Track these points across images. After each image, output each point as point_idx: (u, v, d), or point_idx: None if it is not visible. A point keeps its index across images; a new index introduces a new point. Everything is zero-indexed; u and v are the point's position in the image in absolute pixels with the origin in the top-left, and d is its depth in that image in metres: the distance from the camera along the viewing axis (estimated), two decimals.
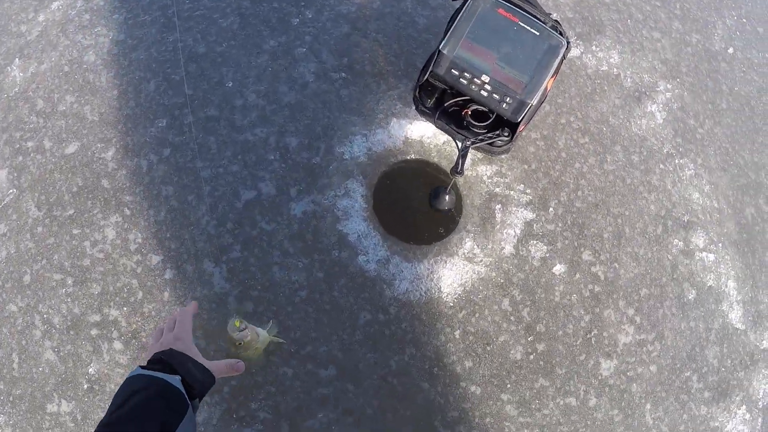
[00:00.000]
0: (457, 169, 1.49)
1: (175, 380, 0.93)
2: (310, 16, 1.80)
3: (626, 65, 1.85)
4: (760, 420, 1.70)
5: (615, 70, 1.83)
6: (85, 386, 1.52)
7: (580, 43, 1.84)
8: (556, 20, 1.59)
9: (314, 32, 1.77)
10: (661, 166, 1.77)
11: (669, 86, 1.86)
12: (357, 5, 1.82)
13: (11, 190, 1.70)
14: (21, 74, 1.87)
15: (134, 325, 1.55)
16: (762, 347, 1.75)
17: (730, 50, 2.01)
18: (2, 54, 1.95)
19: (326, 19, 1.79)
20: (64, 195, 1.66)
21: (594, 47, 1.85)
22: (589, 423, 1.56)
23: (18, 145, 1.76)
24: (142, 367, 0.96)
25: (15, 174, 1.71)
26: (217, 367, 1.06)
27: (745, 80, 1.99)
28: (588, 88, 1.78)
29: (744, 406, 1.69)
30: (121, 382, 0.95)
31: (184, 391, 0.93)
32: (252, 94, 1.70)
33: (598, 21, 1.89)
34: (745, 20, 2.09)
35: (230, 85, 1.71)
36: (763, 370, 1.73)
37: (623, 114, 1.78)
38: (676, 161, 1.80)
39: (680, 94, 1.86)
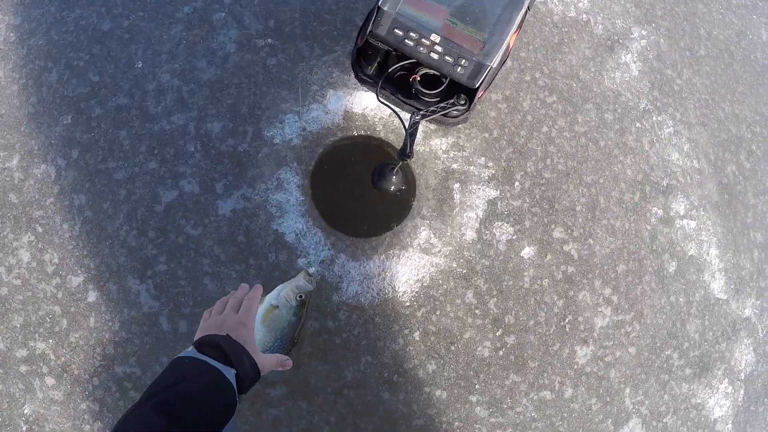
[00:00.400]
0: (406, 152, 1.09)
1: (230, 374, 0.76)
2: None
3: (596, 10, 1.40)
4: (742, 392, 1.40)
5: (584, 15, 1.39)
6: (24, 428, 1.18)
7: None
8: None
9: None
10: (638, 124, 1.37)
11: (644, 32, 1.42)
12: None
13: None
14: None
15: (63, 358, 1.18)
16: (744, 315, 1.42)
17: None
18: None
19: None
20: None
21: None
22: (565, 415, 1.24)
23: None
24: (198, 350, 0.77)
25: None
26: (267, 361, 0.85)
27: (723, 23, 1.55)
28: (555, 39, 1.34)
29: (726, 380, 1.38)
30: (173, 358, 0.78)
31: (236, 389, 0.76)
32: (165, 75, 1.26)
33: None
34: None
35: (140, 65, 1.27)
36: (744, 340, 1.41)
37: (595, 66, 1.36)
38: (654, 118, 1.39)
39: (656, 41, 1.43)
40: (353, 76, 1.17)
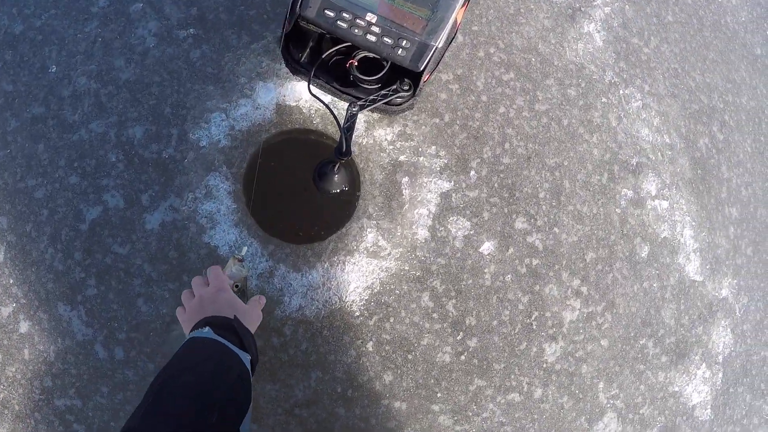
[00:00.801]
0: (342, 150, 0.83)
1: (247, 360, 0.65)
2: None
3: None
4: (720, 375, 1.16)
5: None
6: None
7: None
8: None
9: None
10: (604, 99, 1.10)
11: None
12: None
13: None
14: None
15: (2, 394, 0.96)
16: (721, 296, 1.17)
17: None
18: None
19: None
20: None
21: None
22: (536, 417, 1.01)
23: None
24: (215, 331, 0.65)
25: None
26: (255, 317, 0.76)
27: None
28: (510, 9, 1.06)
29: (703, 365, 1.14)
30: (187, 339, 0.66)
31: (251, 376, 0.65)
32: (82, 78, 0.99)
33: None
34: None
35: (54, 69, 1.00)
36: (722, 321, 1.17)
37: (555, 38, 1.08)
38: (621, 91, 1.12)
39: (621, 8, 1.14)
40: (284, 65, 0.90)
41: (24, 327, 0.96)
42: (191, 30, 0.98)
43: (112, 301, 0.95)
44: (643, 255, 1.11)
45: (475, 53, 1.01)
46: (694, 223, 1.17)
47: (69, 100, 1.00)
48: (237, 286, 0.81)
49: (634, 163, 1.12)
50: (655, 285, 1.12)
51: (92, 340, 0.95)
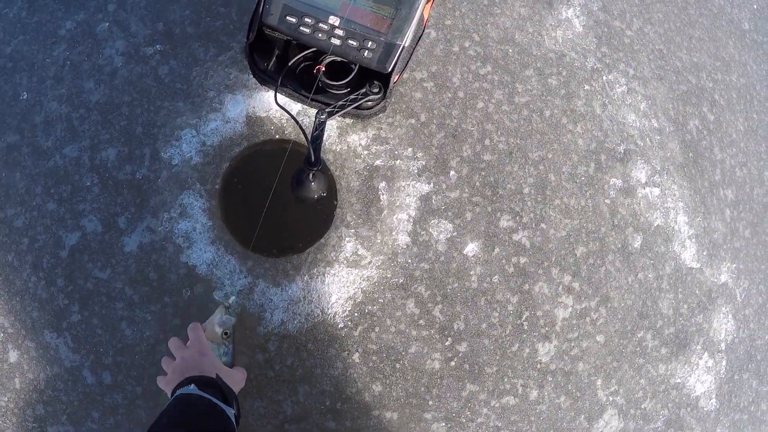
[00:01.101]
0: (311, 160, 0.72)
1: (231, 414, 0.61)
2: None
3: None
4: (724, 363, 1.03)
5: None
6: None
7: None
8: None
9: None
10: (587, 86, 0.96)
11: None
12: None
13: None
14: None
15: None
16: (720, 282, 1.03)
17: None
18: None
19: None
20: None
21: None
22: (533, 419, 0.90)
23: None
24: (199, 388, 0.61)
25: None
26: (239, 381, 0.72)
27: None
28: (484, 0, 0.92)
29: (705, 353, 1.01)
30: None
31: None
32: (53, 102, 0.89)
33: None
34: None
35: (25, 96, 0.90)
36: (722, 308, 1.03)
37: (532, 26, 0.94)
38: (604, 77, 0.98)
39: None
40: (251, 75, 0.80)
41: (13, 356, 0.88)
42: (158, 46, 0.87)
43: (97, 326, 0.86)
44: (636, 245, 0.98)
45: (449, 48, 0.88)
46: (687, 209, 1.03)
47: (42, 126, 0.91)
48: (226, 333, 0.75)
49: (622, 151, 0.99)
50: (650, 275, 0.99)
51: (80, 366, 0.86)
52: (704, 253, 1.03)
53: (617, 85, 0.99)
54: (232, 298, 0.78)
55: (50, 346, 0.87)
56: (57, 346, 0.86)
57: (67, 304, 0.86)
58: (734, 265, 1.07)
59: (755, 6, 1.22)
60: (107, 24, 0.91)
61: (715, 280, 1.04)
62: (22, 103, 0.92)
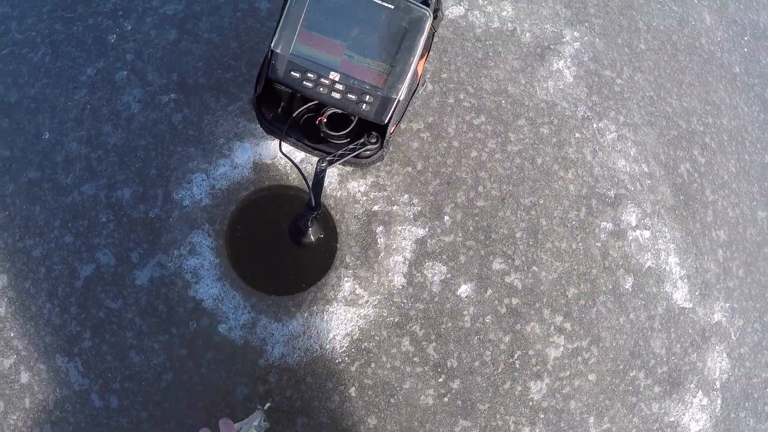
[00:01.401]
0: (312, 205, 0.88)
1: None
2: (130, 28, 1.12)
3: (522, 16, 1.15)
4: (719, 401, 1.15)
5: (509, 24, 1.14)
6: None
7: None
8: None
9: (136, 47, 1.10)
10: (577, 134, 1.13)
11: (576, 34, 1.17)
12: (185, 1, 1.13)
13: None
14: None
15: None
16: (713, 321, 1.17)
17: None
18: None
19: (149, 27, 1.11)
20: None
21: (481, 1, 1.14)
22: None
23: None
24: None
25: None
26: None
27: (663, 12, 1.27)
28: (479, 54, 1.10)
29: (700, 392, 1.14)
30: None
31: None
32: (73, 143, 1.06)
33: None
34: None
35: (48, 136, 1.08)
36: (716, 346, 1.16)
37: (525, 78, 1.11)
38: (595, 125, 1.14)
39: (591, 42, 1.17)
40: (258, 124, 0.96)
41: (25, 377, 1.02)
42: (172, 95, 1.04)
43: (106, 352, 1.00)
44: (627, 287, 1.13)
45: (445, 100, 1.05)
46: (679, 250, 1.17)
47: (62, 164, 1.08)
48: None
49: (612, 195, 1.14)
50: (642, 315, 1.13)
51: (88, 390, 1.01)
52: (696, 293, 1.17)
53: (607, 132, 1.15)
54: (268, 404, 0.92)
55: (61, 369, 1.01)
56: (67, 370, 1.01)
57: (79, 330, 1.01)
58: (728, 304, 1.21)
59: (746, 50, 1.39)
60: (125, 72, 1.08)
61: (709, 320, 1.18)
62: (44, 141, 1.09)
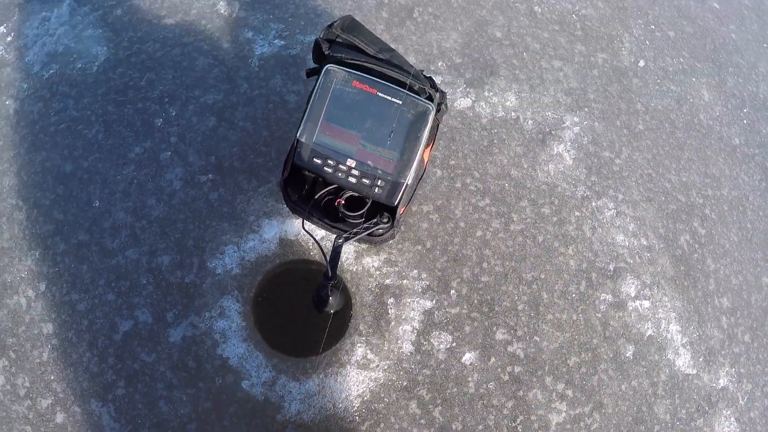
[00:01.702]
0: (329, 275, 1.12)
1: None
2: (174, 114, 1.43)
3: (525, 105, 1.43)
4: None
5: (513, 113, 1.42)
6: None
7: (471, 90, 1.45)
8: (428, 77, 1.18)
9: (179, 131, 1.41)
10: (577, 212, 1.36)
11: (576, 119, 1.43)
12: (223, 92, 1.46)
13: None
14: None
15: None
16: (719, 386, 1.36)
17: (641, 63, 1.55)
18: None
19: (191, 113, 1.43)
20: None
21: (487, 92, 1.45)
22: None
23: None
24: None
25: None
26: None
27: (661, 92, 1.53)
28: (484, 142, 1.37)
29: None
30: None
31: None
32: (120, 212, 1.35)
33: (490, 61, 1.48)
34: (653, 26, 1.62)
35: (97, 204, 1.37)
36: (724, 411, 1.36)
37: (527, 162, 1.37)
38: (594, 203, 1.38)
39: (590, 125, 1.43)
40: (285, 204, 1.21)
41: (60, 418, 1.27)
42: (210, 175, 1.33)
43: (138, 401, 1.25)
44: (628, 355, 1.32)
45: (452, 185, 1.31)
46: (680, 318, 1.38)
47: (109, 230, 1.35)
48: None
49: (612, 269, 1.36)
50: (644, 382, 1.32)
51: None
52: (700, 359, 1.36)
53: (606, 210, 1.38)
54: None
55: (94, 413, 1.26)
56: (101, 414, 1.25)
57: (114, 379, 1.26)
58: (734, 369, 1.39)
59: (745, 121, 1.62)
60: (169, 153, 1.37)
61: (714, 385, 1.36)
62: (94, 209, 1.37)
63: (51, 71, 1.57)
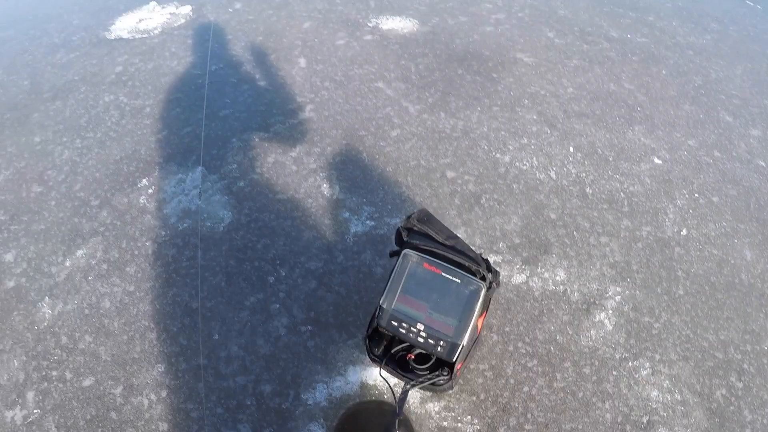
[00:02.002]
0: (397, 413, 1.70)
1: None
2: (284, 274, 2.15)
3: (573, 279, 1.99)
4: None
5: (561, 287, 2.00)
6: None
7: (526, 268, 2.05)
8: (485, 259, 1.78)
9: (287, 289, 2.11)
10: (614, 372, 1.88)
11: (618, 289, 1.97)
12: (323, 261, 2.16)
13: (36, 410, 2.13)
14: (50, 311, 2.36)
15: None
16: None
17: (684, 231, 2.06)
18: (35, 290, 2.47)
19: (297, 276, 2.13)
20: (79, 421, 2.08)
21: (540, 269, 2.03)
22: None
23: (44, 373, 2.21)
24: None
25: (40, 396, 2.14)
26: None
27: (702, 258, 2.02)
28: (535, 311, 1.94)
29: None
30: None
31: None
32: (234, 346, 2.03)
33: (544, 240, 2.07)
34: (697, 195, 2.13)
35: (216, 337, 2.06)
36: None
37: (572, 329, 1.91)
38: (630, 364, 1.89)
39: (631, 294, 1.96)
40: (367, 356, 1.84)
41: None
42: (309, 327, 1.99)
43: None
44: None
45: (506, 348, 1.88)
46: None
47: (224, 359, 2.03)
48: None
49: (645, 421, 1.84)
50: None
51: None
52: None
53: (642, 369, 1.88)
54: None
55: None
56: None
57: None
58: None
59: None
60: (278, 305, 2.06)
61: None
62: (213, 341, 2.07)
63: (185, 225, 2.35)
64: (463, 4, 4.49)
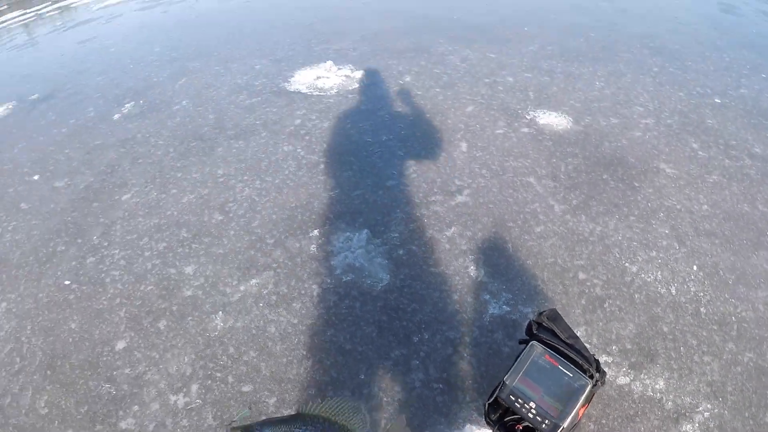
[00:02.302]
0: None
1: None
2: (427, 337, 3.13)
3: (671, 389, 2.76)
4: None
5: (659, 394, 2.78)
6: None
7: (631, 372, 2.86)
8: (596, 359, 2.64)
9: (427, 350, 3.08)
10: None
11: (709, 406, 2.72)
12: (461, 333, 3.18)
13: (198, 400, 3.13)
14: (221, 324, 3.46)
15: None
16: None
17: None
18: (210, 303, 3.60)
19: (438, 341, 3.10)
20: (233, 417, 2.99)
21: (643, 375, 2.83)
22: None
23: (209, 372, 3.23)
24: None
25: (203, 390, 3.15)
26: None
27: None
28: (631, 411, 2.74)
29: None
30: None
31: None
32: (376, 387, 3.02)
33: (653, 350, 2.86)
34: None
35: (362, 377, 3.05)
36: None
37: None
38: None
39: (720, 413, 2.70)
40: (483, 418, 2.74)
41: None
42: (440, 385, 2.96)
43: None
44: None
45: None
46: None
47: (366, 396, 3.00)
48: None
49: None
50: None
51: None
52: None
53: None
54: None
55: None
56: None
57: None
58: None
59: None
60: (417, 362, 3.06)
61: None
62: (359, 379, 3.06)
63: (348, 278, 3.38)
64: (616, 105, 5.45)
